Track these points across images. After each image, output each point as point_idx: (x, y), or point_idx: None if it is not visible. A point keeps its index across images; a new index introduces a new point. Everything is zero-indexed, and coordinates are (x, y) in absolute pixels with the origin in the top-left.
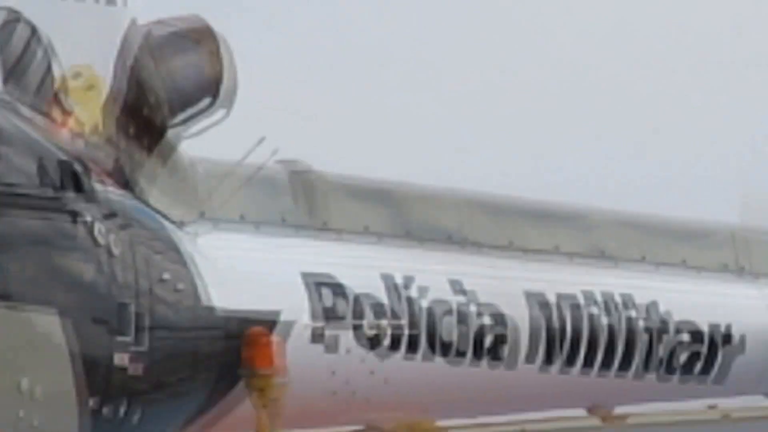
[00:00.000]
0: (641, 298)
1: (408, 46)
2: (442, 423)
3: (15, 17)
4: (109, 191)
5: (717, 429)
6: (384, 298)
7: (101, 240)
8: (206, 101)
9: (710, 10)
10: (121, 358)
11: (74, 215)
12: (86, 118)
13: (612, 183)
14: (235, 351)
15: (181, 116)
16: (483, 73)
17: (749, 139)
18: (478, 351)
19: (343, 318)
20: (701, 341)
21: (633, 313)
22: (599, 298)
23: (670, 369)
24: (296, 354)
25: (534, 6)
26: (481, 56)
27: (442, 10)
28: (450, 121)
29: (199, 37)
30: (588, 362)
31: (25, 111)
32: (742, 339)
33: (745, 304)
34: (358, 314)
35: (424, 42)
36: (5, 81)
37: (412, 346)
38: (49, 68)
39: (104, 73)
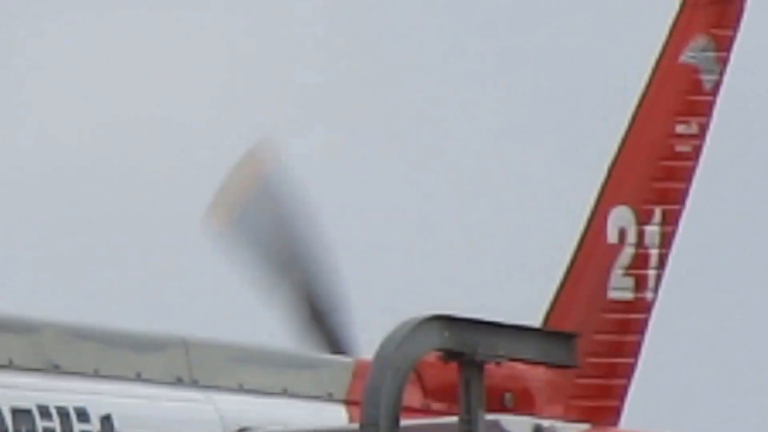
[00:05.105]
0: (95, 412)
1: None
2: None
3: None
4: None
5: None
6: None
7: None
8: None
9: None
10: None
11: None
12: None
13: (64, 294)
14: None
15: None
16: None
17: None
18: None
19: None
20: None
21: (87, 427)
22: (54, 412)
23: None
24: None
25: None
26: None
27: None
28: None
29: None
30: None
31: None
32: None
33: (197, 416)
34: None
35: None
36: None
37: None
38: None
39: None
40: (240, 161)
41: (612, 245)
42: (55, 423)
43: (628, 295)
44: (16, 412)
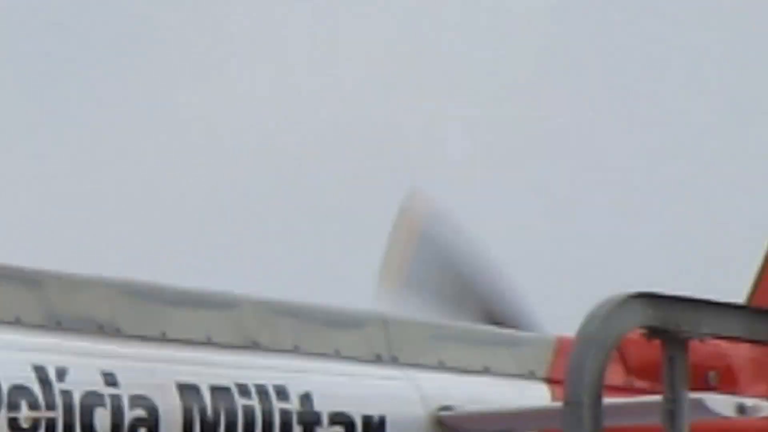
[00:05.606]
0: (295, 389)
1: None
2: None
3: None
4: None
5: None
6: (37, 391)
7: None
8: None
9: None
10: None
11: None
12: None
13: (264, 271)
14: None
15: None
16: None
17: None
18: None
19: None
20: None
21: (286, 405)
22: (253, 390)
23: None
24: None
25: None
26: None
27: None
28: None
29: None
30: None
31: None
32: (395, 429)
33: (397, 394)
34: (12, 406)
35: None
36: None
37: None
38: None
39: None
40: (397, 217)
41: None
42: (254, 401)
43: None
44: (215, 390)
